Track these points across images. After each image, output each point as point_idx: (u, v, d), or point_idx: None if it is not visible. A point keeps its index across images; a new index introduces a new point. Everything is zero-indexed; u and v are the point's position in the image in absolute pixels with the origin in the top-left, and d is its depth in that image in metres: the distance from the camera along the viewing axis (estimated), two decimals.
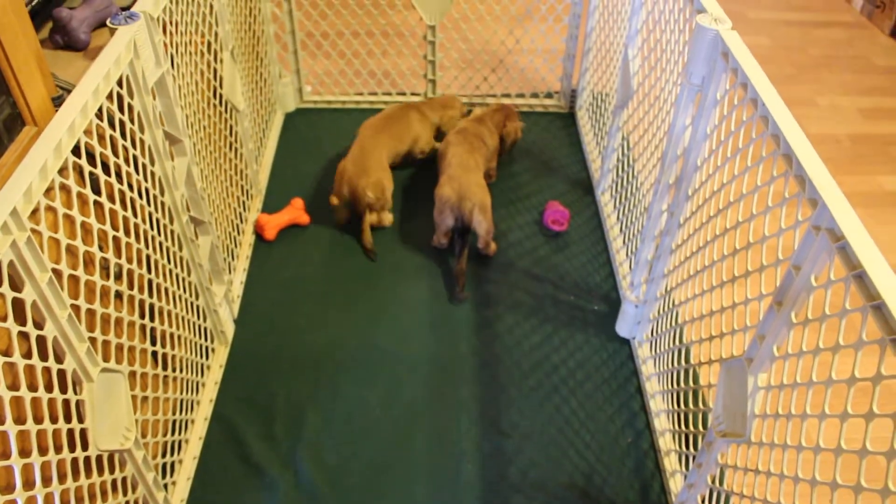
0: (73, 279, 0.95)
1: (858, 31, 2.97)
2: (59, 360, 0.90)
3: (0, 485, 0.83)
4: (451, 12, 2.26)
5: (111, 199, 1.05)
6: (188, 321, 1.39)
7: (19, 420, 0.82)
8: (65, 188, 0.93)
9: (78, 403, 0.95)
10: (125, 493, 1.09)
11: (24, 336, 0.83)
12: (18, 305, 0.82)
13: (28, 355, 0.84)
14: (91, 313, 0.99)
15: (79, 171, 0.96)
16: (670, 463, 1.39)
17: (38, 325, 0.86)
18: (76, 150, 0.94)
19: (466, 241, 1.74)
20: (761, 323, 0.98)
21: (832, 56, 2.79)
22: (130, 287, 1.12)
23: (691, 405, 1.36)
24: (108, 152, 1.03)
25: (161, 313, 1.25)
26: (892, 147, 2.32)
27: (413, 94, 2.42)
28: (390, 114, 2.03)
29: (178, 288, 1.33)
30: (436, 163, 1.96)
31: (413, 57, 2.60)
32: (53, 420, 0.89)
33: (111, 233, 1.04)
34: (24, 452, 0.84)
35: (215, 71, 1.61)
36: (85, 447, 0.96)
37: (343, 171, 1.86)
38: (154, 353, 1.24)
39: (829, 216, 0.81)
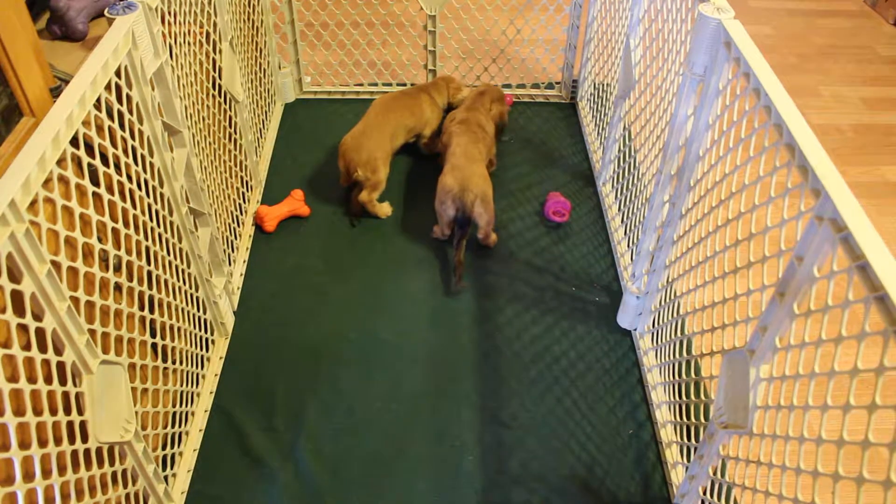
0: (72, 271, 0.95)
1: (862, 21, 2.95)
2: (58, 352, 0.90)
3: (0, 477, 0.83)
4: (451, 2, 2.24)
5: (110, 190, 1.05)
6: (188, 313, 1.39)
7: (19, 412, 0.82)
8: (63, 180, 0.92)
9: (77, 395, 0.95)
10: (125, 486, 1.09)
11: (23, 328, 0.83)
12: (17, 297, 0.82)
13: (27, 347, 0.84)
14: (90, 305, 0.99)
15: (77, 162, 0.96)
16: (672, 454, 1.39)
17: (37, 317, 0.85)
18: (74, 142, 0.93)
19: (466, 233, 1.74)
20: (763, 314, 0.97)
21: (836, 46, 2.78)
22: (130, 279, 1.12)
23: (693, 396, 1.36)
24: (107, 143, 1.03)
25: (161, 305, 1.25)
26: None
27: (413, 84, 2.40)
28: (405, 93, 2.06)
29: (178, 279, 1.33)
30: (439, 155, 1.95)
31: (413, 47, 2.59)
32: (53, 412, 0.89)
33: (110, 224, 1.04)
34: (24, 445, 0.83)
35: (214, 61, 1.60)
36: (85, 439, 0.96)
37: (342, 144, 1.91)
38: (154, 345, 1.24)
39: (832, 207, 0.81)
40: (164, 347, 1.28)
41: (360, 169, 1.85)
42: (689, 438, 1.35)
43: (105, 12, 1.10)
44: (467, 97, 2.05)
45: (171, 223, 1.29)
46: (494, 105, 2.04)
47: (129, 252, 1.11)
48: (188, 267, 1.38)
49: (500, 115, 2.06)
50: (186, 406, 1.40)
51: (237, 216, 1.79)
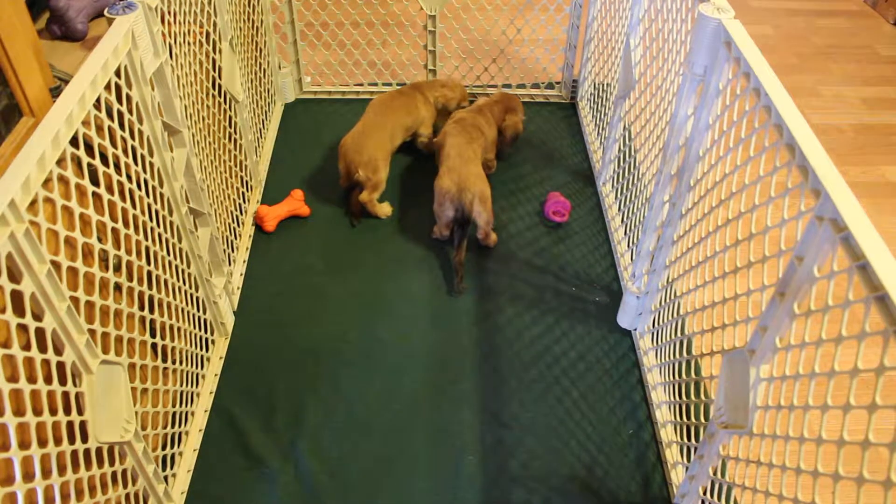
0: (72, 271, 0.95)
1: (863, 21, 2.95)
2: (58, 352, 0.90)
3: (0, 477, 0.83)
4: (451, 2, 2.24)
5: (110, 190, 1.04)
6: (188, 313, 1.39)
7: (18, 412, 0.82)
8: (63, 180, 0.92)
9: (77, 395, 0.95)
10: (125, 486, 1.09)
11: (22, 328, 0.83)
12: (17, 297, 0.82)
13: (27, 347, 0.84)
14: (90, 305, 0.99)
15: (77, 162, 0.96)
16: (672, 454, 1.39)
17: (37, 317, 0.85)
18: (74, 142, 0.93)
19: (466, 233, 1.74)
20: (763, 314, 0.97)
21: (836, 45, 2.78)
22: (130, 279, 1.12)
23: (693, 397, 1.36)
24: (107, 143, 1.03)
25: (161, 305, 1.25)
26: None
27: (406, 85, 2.40)
28: (401, 92, 2.06)
29: (178, 279, 1.33)
30: (434, 154, 1.95)
31: (413, 47, 2.58)
32: (53, 412, 0.89)
33: (110, 224, 1.04)
34: (24, 445, 0.83)
35: (214, 61, 1.60)
36: (85, 439, 0.96)
37: (342, 145, 1.91)
38: (154, 345, 1.24)
39: (832, 207, 0.81)
40: (164, 347, 1.28)
41: (360, 169, 1.85)
42: (689, 438, 1.35)
43: (105, 12, 1.09)
44: (480, 101, 2.04)
45: (171, 223, 1.29)
46: (509, 115, 2.03)
47: (129, 252, 1.11)
48: (188, 267, 1.38)
49: (515, 125, 2.04)
50: (186, 406, 1.40)
51: (237, 216, 1.79)
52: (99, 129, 1.01)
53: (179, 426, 1.36)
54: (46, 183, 0.86)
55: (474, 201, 1.72)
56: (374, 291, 1.73)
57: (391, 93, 2.05)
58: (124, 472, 1.08)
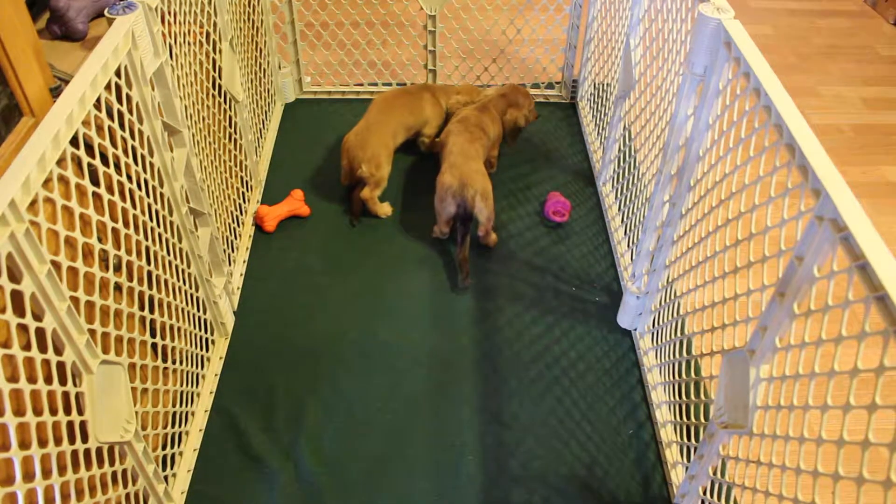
0: (72, 271, 0.95)
1: (862, 21, 2.95)
2: (58, 352, 0.90)
3: (0, 477, 0.83)
4: (451, 2, 2.24)
5: (110, 190, 1.04)
6: (188, 313, 1.39)
7: (19, 412, 0.82)
8: (63, 179, 0.92)
9: (77, 395, 0.95)
10: (125, 486, 1.09)
11: (23, 328, 0.83)
12: (17, 297, 0.82)
13: (27, 347, 0.84)
14: (90, 305, 0.99)
15: (77, 162, 0.96)
16: (672, 454, 1.39)
17: (37, 318, 0.85)
18: (74, 141, 0.93)
19: (468, 229, 1.74)
20: (763, 314, 0.97)
21: (836, 45, 2.78)
22: (130, 279, 1.12)
23: (693, 396, 1.36)
24: (107, 143, 1.03)
25: (161, 305, 1.25)
26: None
27: (413, 84, 2.40)
28: (406, 90, 2.06)
29: (178, 279, 1.33)
30: (437, 152, 1.95)
31: (413, 47, 2.58)
32: (53, 412, 0.89)
33: (110, 224, 1.04)
34: (24, 444, 0.83)
35: (214, 61, 1.60)
36: (85, 439, 0.96)
37: (345, 142, 1.91)
38: (154, 345, 1.24)
39: (832, 207, 0.81)
40: (164, 347, 1.28)
41: (363, 165, 1.85)
42: (689, 438, 1.35)
43: (105, 12, 1.09)
44: (487, 96, 2.03)
45: (171, 223, 1.29)
46: (510, 111, 2.00)
47: (129, 252, 1.11)
48: (188, 267, 1.38)
49: (513, 121, 2.00)
50: (186, 406, 1.40)
51: (237, 216, 1.79)
52: (99, 129, 1.01)
53: (179, 426, 1.36)
54: (46, 183, 0.86)
55: (476, 197, 1.72)
56: (374, 291, 1.73)
57: (395, 91, 2.05)
58: (124, 472, 1.08)
